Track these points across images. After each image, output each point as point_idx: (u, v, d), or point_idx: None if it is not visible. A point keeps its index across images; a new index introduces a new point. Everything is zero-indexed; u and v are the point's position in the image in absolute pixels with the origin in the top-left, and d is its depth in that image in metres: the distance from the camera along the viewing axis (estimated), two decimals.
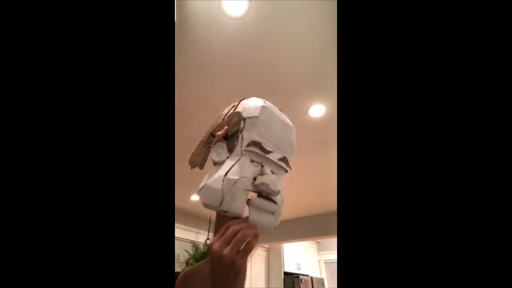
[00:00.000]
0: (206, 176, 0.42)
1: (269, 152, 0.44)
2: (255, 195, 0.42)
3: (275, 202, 0.43)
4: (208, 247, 0.36)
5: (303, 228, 3.63)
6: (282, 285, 3.91)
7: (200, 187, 0.41)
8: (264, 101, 0.46)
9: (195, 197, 3.11)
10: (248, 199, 0.41)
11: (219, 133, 0.44)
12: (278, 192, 0.43)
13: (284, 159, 0.46)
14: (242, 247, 0.35)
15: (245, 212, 0.41)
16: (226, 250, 0.34)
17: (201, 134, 0.53)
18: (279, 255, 4.15)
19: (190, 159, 0.50)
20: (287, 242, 4.09)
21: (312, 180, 2.61)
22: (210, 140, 0.47)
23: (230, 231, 0.36)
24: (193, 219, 3.63)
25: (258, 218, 0.41)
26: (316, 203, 3.23)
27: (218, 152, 0.43)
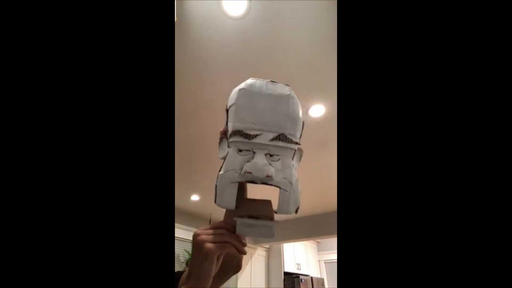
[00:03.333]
0: None
1: (255, 135, 0.41)
2: (240, 218, 0.40)
3: (269, 218, 0.41)
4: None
5: (303, 228, 3.63)
6: (282, 285, 3.91)
7: None
8: (246, 82, 0.43)
9: (195, 197, 3.10)
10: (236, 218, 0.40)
11: (221, 129, 0.45)
12: (268, 177, 0.39)
13: (280, 137, 0.41)
14: (218, 240, 0.38)
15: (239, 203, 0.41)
16: (202, 236, 0.38)
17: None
18: (279, 255, 4.15)
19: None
20: (287, 242, 4.09)
21: (312, 180, 2.61)
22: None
23: (216, 224, 0.40)
24: (193, 219, 3.63)
25: (246, 232, 0.40)
26: (316, 203, 3.23)
27: (223, 148, 0.44)
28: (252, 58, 1.32)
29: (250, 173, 0.39)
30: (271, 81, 0.44)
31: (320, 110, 1.66)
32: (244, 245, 0.41)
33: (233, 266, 0.52)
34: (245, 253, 0.40)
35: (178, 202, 3.22)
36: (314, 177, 2.54)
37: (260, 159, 0.40)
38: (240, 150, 0.41)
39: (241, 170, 0.40)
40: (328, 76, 1.41)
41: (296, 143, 0.42)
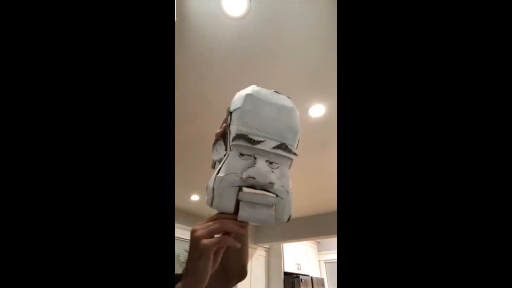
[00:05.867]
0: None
1: (258, 142, 0.40)
2: (246, 188, 0.39)
3: (274, 194, 0.40)
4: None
5: (303, 228, 3.63)
6: (282, 285, 3.91)
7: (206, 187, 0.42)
8: (253, 89, 0.43)
9: (195, 197, 3.10)
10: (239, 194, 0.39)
11: (217, 131, 0.45)
12: (271, 184, 0.39)
13: (281, 146, 0.41)
14: (216, 235, 0.37)
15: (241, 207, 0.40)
16: (199, 231, 0.36)
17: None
18: (279, 255, 4.15)
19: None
20: (287, 242, 4.09)
21: (312, 180, 2.61)
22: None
23: (213, 217, 0.39)
24: (193, 219, 3.63)
25: (248, 213, 0.39)
26: (316, 203, 3.23)
27: (218, 151, 0.44)
28: (252, 58, 1.32)
29: (254, 178, 0.39)
30: (275, 91, 0.45)
31: (320, 110, 1.66)
32: (244, 226, 0.39)
33: (236, 273, 0.51)
34: (243, 233, 0.39)
35: (178, 202, 3.22)
36: (314, 177, 2.54)
37: (262, 165, 0.40)
38: (242, 154, 0.41)
39: (242, 174, 0.39)
40: (328, 76, 1.41)
41: (294, 153, 0.43)
